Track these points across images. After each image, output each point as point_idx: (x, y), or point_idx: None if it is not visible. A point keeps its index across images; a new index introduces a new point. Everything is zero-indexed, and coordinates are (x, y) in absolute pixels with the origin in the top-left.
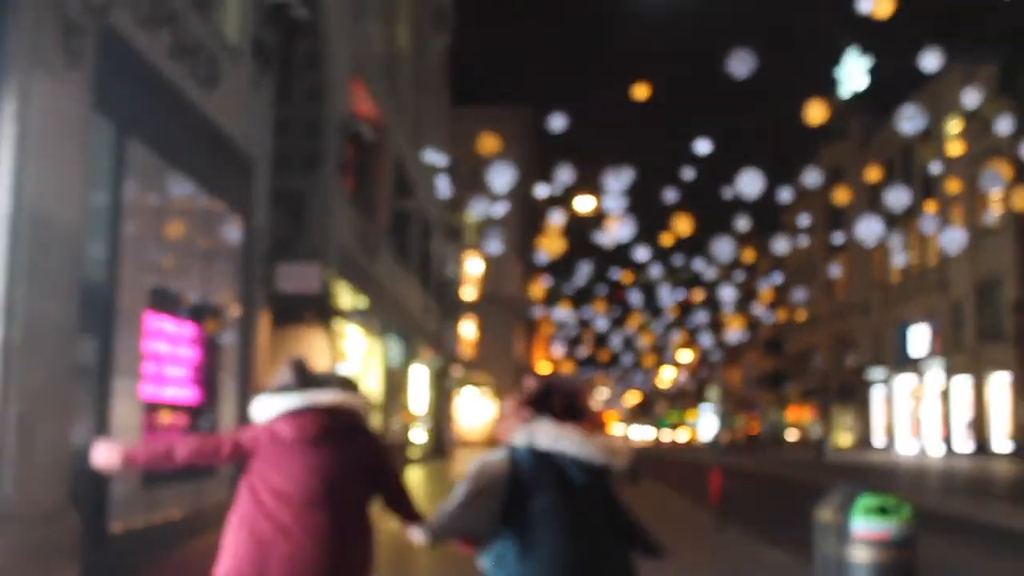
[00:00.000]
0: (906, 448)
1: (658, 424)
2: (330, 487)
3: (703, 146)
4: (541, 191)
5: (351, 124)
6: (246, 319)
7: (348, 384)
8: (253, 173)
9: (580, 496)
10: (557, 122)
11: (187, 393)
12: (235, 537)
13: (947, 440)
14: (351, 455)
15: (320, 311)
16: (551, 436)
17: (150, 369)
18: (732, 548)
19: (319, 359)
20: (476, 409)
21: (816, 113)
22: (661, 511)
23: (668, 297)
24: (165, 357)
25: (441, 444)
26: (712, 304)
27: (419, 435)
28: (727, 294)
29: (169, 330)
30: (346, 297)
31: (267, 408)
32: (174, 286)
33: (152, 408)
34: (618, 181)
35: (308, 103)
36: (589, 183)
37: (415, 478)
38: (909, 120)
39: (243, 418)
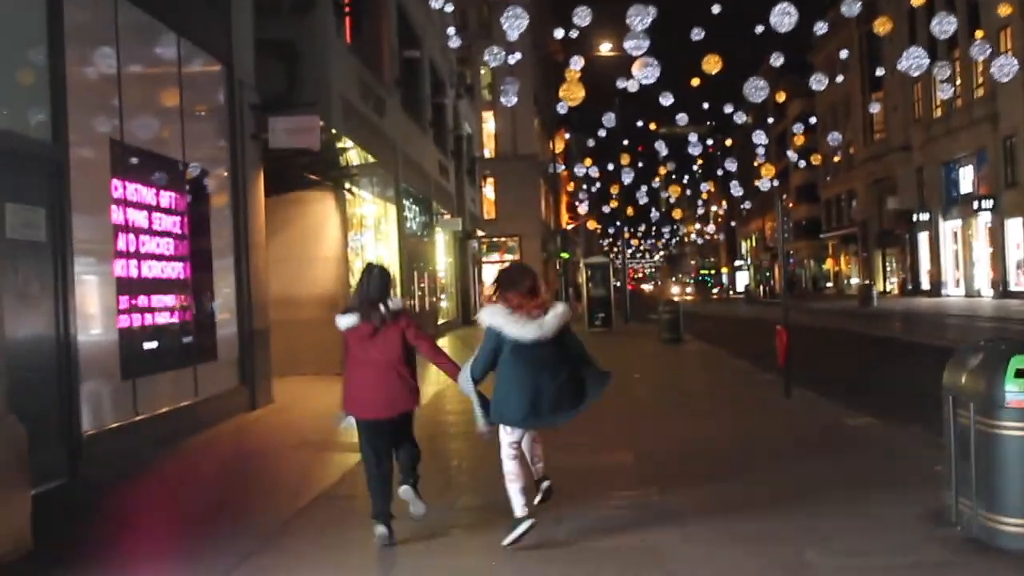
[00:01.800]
0: (955, 292)
1: (694, 278)
2: (384, 354)
3: None
4: (558, 33)
5: None
6: (236, 181)
7: (386, 290)
8: (231, 12)
9: (529, 347)
10: None
11: (172, 268)
12: (347, 376)
13: (1001, 282)
14: (392, 335)
15: (324, 171)
16: (497, 320)
17: (122, 243)
18: (810, 416)
19: (327, 226)
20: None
21: None
22: (716, 374)
23: (696, 145)
24: (140, 228)
25: (468, 311)
26: (742, 151)
27: (443, 302)
28: (759, 138)
29: (142, 194)
30: (352, 156)
31: (342, 323)
32: (143, 143)
33: (130, 287)
34: (640, 20)
35: None
36: (609, 26)
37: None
38: None
39: (240, 294)
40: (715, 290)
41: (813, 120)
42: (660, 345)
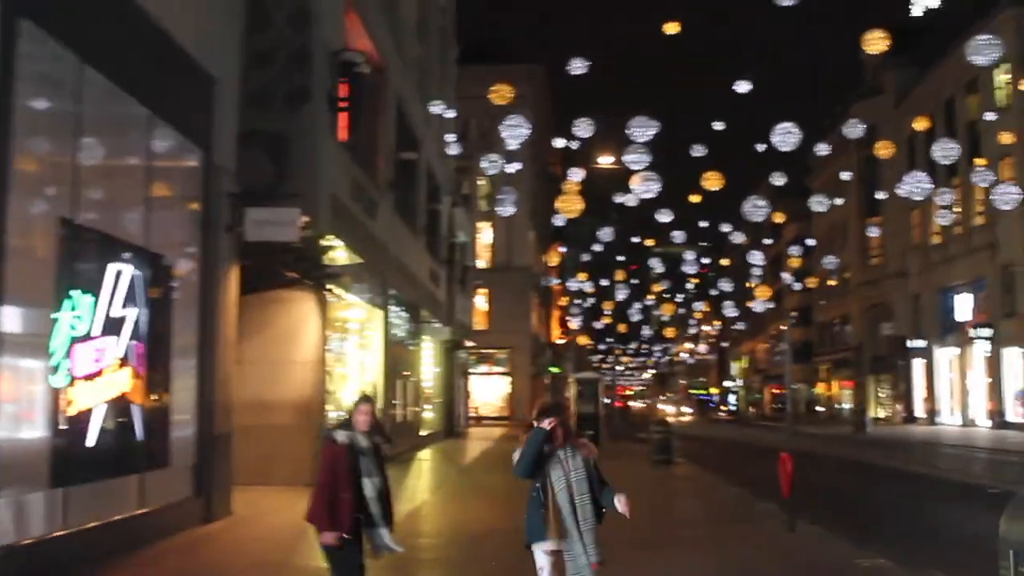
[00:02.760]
0: (949, 421)
1: (693, 396)
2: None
3: (742, 87)
4: (559, 143)
5: (343, 54)
6: (207, 273)
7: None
8: (214, 96)
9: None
10: (576, 67)
11: (122, 364)
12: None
13: (998, 412)
14: None
15: (307, 270)
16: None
17: (62, 333)
18: (817, 554)
19: (306, 328)
20: (491, 384)
21: (875, 42)
22: (712, 502)
23: (692, 263)
24: (86, 316)
25: (453, 423)
26: (737, 271)
27: (428, 413)
28: (756, 258)
29: (92, 280)
30: (339, 256)
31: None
32: (99, 224)
33: (70, 382)
34: (642, 132)
35: (291, 31)
36: (610, 139)
37: (420, 461)
38: (982, 50)
39: (202, 395)
40: (721, 411)
41: (810, 243)
42: (649, 468)
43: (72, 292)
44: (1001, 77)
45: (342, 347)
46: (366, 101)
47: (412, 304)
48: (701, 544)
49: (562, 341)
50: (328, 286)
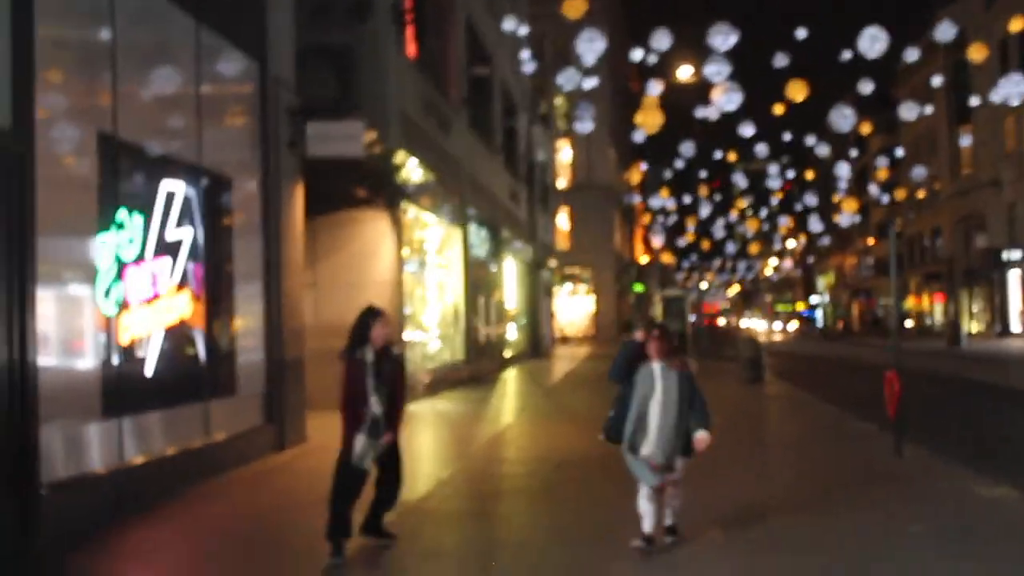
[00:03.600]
0: None
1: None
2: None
3: None
4: (636, 56)
5: None
6: (268, 193)
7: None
8: (267, 3)
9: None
10: None
11: (178, 288)
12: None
13: None
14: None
15: (378, 187)
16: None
17: (109, 256)
18: (930, 484)
19: (380, 250)
20: (575, 304)
21: None
22: (808, 424)
23: (776, 178)
24: (135, 239)
25: (538, 342)
26: (822, 185)
27: (512, 333)
28: (842, 171)
29: (140, 199)
30: (412, 174)
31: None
32: (144, 140)
33: (119, 307)
34: (722, 42)
35: None
36: (689, 51)
37: (504, 382)
38: None
39: (269, 320)
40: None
41: (898, 153)
42: (740, 386)
43: (119, 213)
44: None
45: (420, 268)
46: (434, 15)
47: (492, 223)
48: (801, 468)
49: (646, 260)
50: (402, 205)
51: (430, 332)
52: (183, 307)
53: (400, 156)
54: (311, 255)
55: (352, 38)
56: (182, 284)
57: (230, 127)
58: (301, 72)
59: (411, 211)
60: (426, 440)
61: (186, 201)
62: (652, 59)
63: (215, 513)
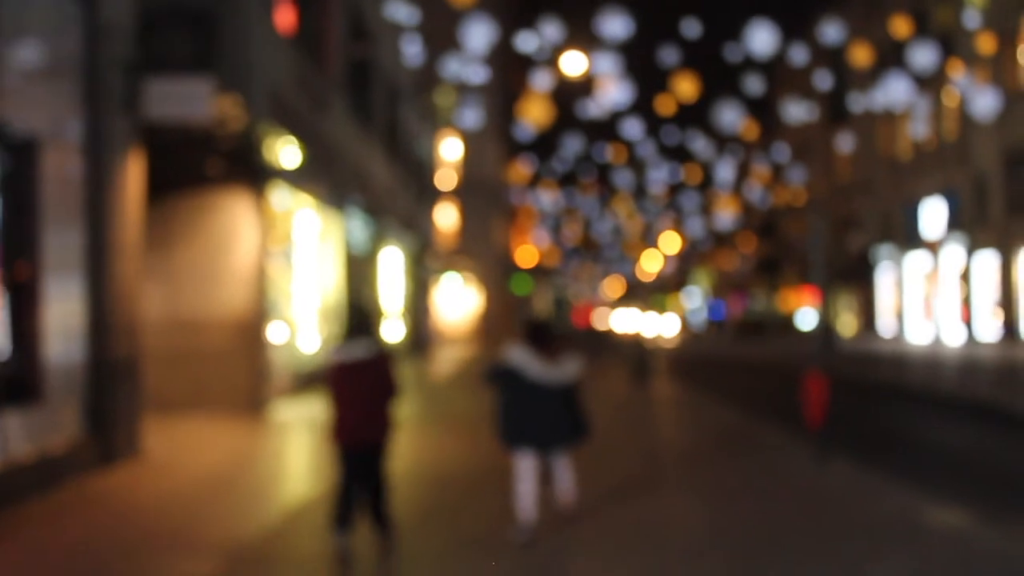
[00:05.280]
0: (918, 335)
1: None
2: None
3: None
4: (524, 43)
5: None
6: (96, 162)
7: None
8: None
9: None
10: None
11: None
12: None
13: (968, 325)
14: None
15: (243, 166)
16: (520, 360)
17: None
18: (867, 506)
19: (242, 236)
20: (457, 301)
21: None
22: (714, 430)
23: (658, 177)
24: None
25: (420, 339)
26: (704, 186)
27: (392, 330)
28: (724, 172)
29: None
30: (283, 152)
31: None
32: None
33: None
34: (613, 29)
35: None
36: (578, 43)
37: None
38: None
39: (95, 312)
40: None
41: (780, 155)
42: (626, 388)
43: None
44: None
45: (289, 257)
46: None
47: (372, 211)
48: (709, 486)
49: (530, 259)
50: (269, 186)
51: (299, 328)
52: None
53: (265, 130)
54: (160, 240)
55: (215, 1)
56: None
57: (41, 80)
58: (151, 36)
59: (280, 194)
60: (287, 451)
61: None
62: (541, 47)
63: None
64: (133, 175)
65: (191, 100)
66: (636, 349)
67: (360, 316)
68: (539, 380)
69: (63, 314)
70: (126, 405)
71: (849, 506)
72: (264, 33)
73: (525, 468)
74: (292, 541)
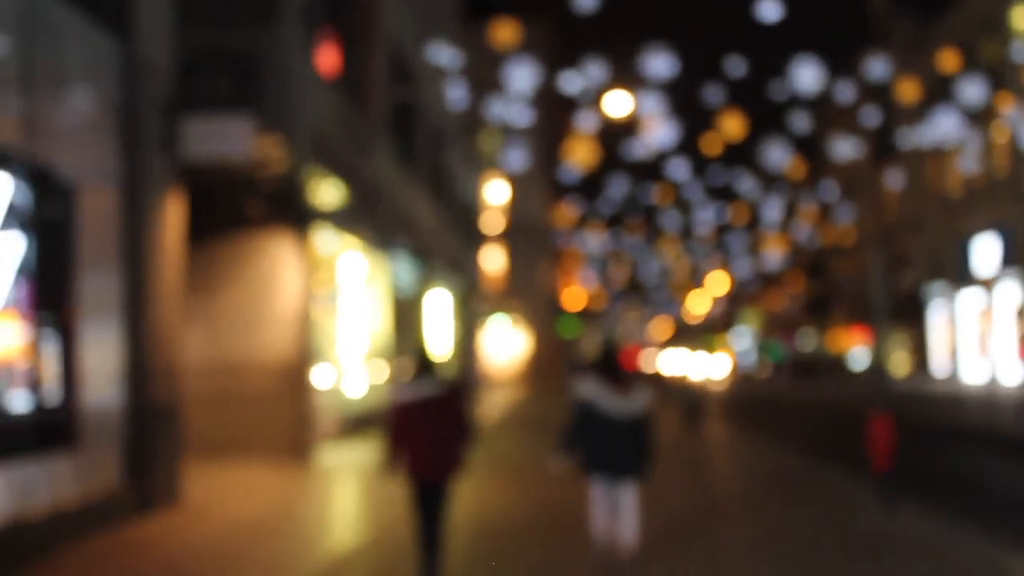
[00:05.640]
0: (973, 374)
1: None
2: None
3: (769, 10)
4: (568, 84)
5: None
6: (133, 204)
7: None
8: None
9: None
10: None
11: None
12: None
13: None
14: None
15: (287, 208)
16: (593, 392)
17: None
18: (960, 562)
19: (284, 277)
20: (505, 343)
21: None
22: (772, 473)
23: (705, 218)
24: None
25: (468, 382)
26: (751, 226)
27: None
28: (771, 212)
29: None
30: (327, 195)
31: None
32: None
33: None
34: (658, 68)
35: None
36: (623, 81)
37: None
38: None
39: (134, 357)
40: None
41: (827, 194)
42: (678, 429)
43: None
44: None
45: (334, 300)
46: (353, 30)
47: (419, 253)
48: (775, 537)
49: (578, 302)
50: (313, 229)
51: (344, 372)
52: (5, 336)
53: (307, 172)
54: (203, 283)
55: (255, 42)
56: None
57: (78, 119)
58: (190, 76)
59: (325, 237)
60: (332, 498)
61: (13, 201)
62: (585, 88)
63: None
64: (173, 216)
65: (230, 139)
66: (687, 391)
67: (427, 354)
68: (611, 412)
69: (102, 358)
70: (166, 450)
71: (924, 556)
72: (306, 74)
73: (598, 494)
74: None
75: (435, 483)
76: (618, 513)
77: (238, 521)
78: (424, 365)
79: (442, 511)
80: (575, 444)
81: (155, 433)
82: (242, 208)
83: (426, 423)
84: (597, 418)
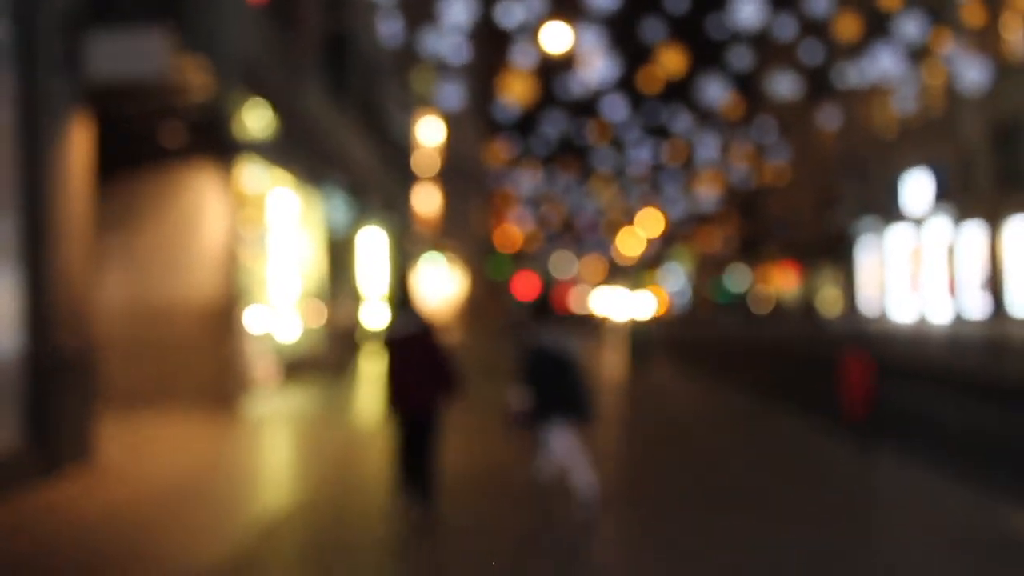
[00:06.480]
0: (903, 313)
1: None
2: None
3: None
4: (506, 17)
5: None
6: (31, 132)
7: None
8: None
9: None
10: None
11: None
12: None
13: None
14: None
15: (212, 138)
16: (549, 338)
17: None
18: (948, 514)
19: (210, 216)
20: (440, 285)
21: None
22: (737, 420)
23: (641, 156)
24: None
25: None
26: (686, 165)
27: (374, 316)
28: (706, 150)
29: None
30: (255, 125)
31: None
32: None
33: None
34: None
35: None
36: (562, 12)
37: (372, 368)
38: None
39: (35, 302)
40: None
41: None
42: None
43: None
44: None
45: (264, 238)
46: None
47: (354, 190)
48: (757, 494)
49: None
50: (240, 161)
51: (276, 315)
52: None
53: (234, 100)
54: (119, 221)
55: None
56: None
57: None
58: None
59: (253, 172)
60: (263, 453)
61: None
62: (522, 18)
63: None
64: (78, 146)
65: (142, 56)
66: (637, 331)
67: (403, 292)
68: (566, 355)
69: None
70: (74, 404)
71: (911, 508)
72: None
73: (570, 441)
74: (267, 561)
75: (422, 416)
76: (575, 455)
77: (157, 482)
78: (404, 302)
79: (431, 445)
80: (531, 388)
81: (61, 385)
82: (162, 139)
83: (410, 359)
84: (549, 362)
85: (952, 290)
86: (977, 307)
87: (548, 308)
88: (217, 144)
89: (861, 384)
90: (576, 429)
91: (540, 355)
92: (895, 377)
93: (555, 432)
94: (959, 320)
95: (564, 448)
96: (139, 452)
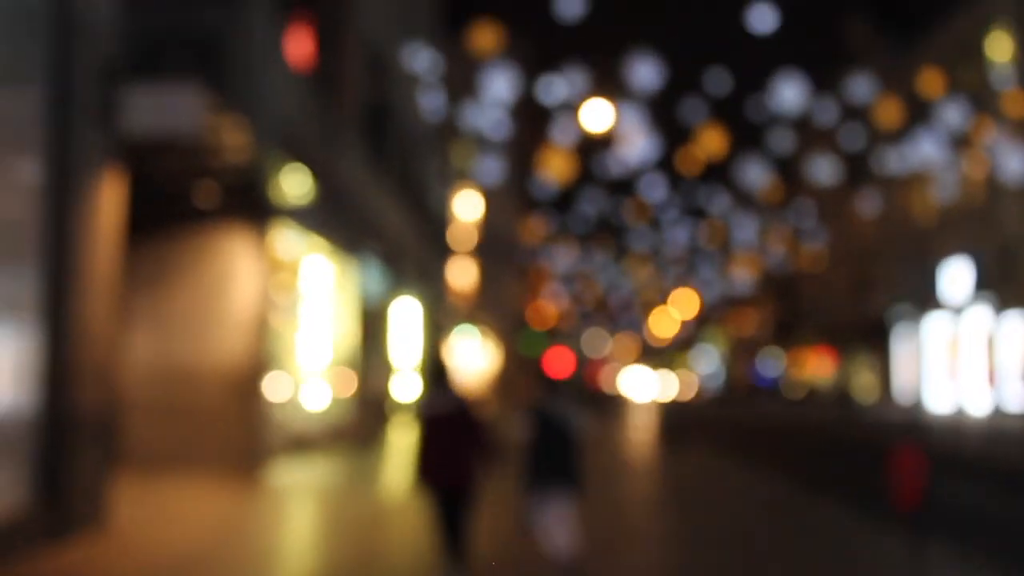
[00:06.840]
0: (939, 403)
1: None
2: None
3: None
4: (547, 94)
5: None
6: (62, 183)
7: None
8: None
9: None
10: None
11: None
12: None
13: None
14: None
15: (244, 199)
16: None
17: None
18: None
19: (240, 277)
20: (473, 358)
21: None
22: (766, 509)
23: (677, 237)
24: None
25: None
26: (724, 247)
27: (406, 387)
28: (744, 232)
29: None
30: (292, 189)
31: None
32: None
33: None
34: (640, 77)
35: None
36: (603, 91)
37: (393, 448)
38: None
39: (53, 359)
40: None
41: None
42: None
43: None
44: (993, 42)
45: (296, 305)
46: (326, 23)
47: (389, 260)
48: None
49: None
50: (275, 225)
51: (304, 383)
52: None
53: (272, 163)
54: (147, 279)
55: (220, 20)
56: None
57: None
58: (147, 50)
59: (288, 237)
60: (281, 522)
61: None
62: (563, 95)
63: None
64: (109, 199)
65: (178, 111)
66: (669, 411)
67: (438, 366)
68: (564, 424)
69: (11, 358)
70: (89, 465)
71: None
72: (273, 58)
73: (557, 509)
74: None
75: (455, 492)
76: (562, 523)
77: (170, 550)
78: (440, 376)
79: (465, 521)
80: (529, 455)
81: (77, 445)
82: (196, 199)
83: (446, 435)
84: (549, 431)
85: (991, 380)
86: (1018, 399)
87: (559, 383)
88: (252, 207)
89: (914, 476)
90: (568, 500)
91: (542, 423)
92: (939, 469)
93: (548, 500)
94: (998, 411)
95: (553, 516)
96: (155, 518)
